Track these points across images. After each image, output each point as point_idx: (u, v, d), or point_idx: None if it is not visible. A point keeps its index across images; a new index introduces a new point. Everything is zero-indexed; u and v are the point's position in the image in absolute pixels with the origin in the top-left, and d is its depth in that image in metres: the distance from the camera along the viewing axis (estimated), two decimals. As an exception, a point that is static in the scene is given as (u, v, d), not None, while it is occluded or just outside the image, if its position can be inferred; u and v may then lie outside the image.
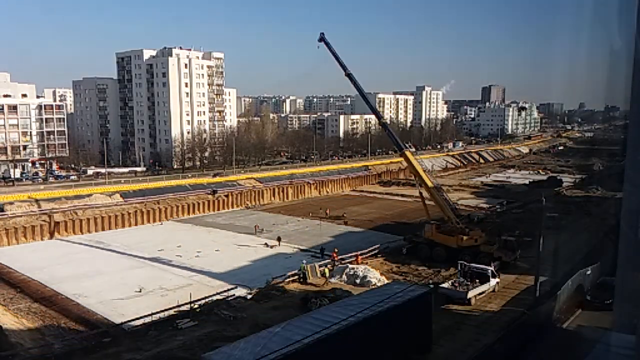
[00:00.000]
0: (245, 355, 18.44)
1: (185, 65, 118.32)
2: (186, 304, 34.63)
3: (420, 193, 48.68)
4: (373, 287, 36.19)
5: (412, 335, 24.37)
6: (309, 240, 59.27)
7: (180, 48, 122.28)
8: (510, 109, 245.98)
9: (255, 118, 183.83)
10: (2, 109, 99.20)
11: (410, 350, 24.15)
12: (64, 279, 45.51)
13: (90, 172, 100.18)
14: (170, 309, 35.17)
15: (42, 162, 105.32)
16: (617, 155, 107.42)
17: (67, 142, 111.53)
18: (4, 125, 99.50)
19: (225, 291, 38.77)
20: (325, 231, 62.65)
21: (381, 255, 48.33)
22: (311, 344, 18.56)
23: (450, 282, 35.53)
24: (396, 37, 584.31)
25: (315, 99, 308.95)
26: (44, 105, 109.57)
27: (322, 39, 52.39)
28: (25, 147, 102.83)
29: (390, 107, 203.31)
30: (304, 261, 44.63)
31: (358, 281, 39.49)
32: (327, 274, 41.48)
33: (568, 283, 30.44)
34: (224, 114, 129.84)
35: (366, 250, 48.75)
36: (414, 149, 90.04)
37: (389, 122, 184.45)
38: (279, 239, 57.55)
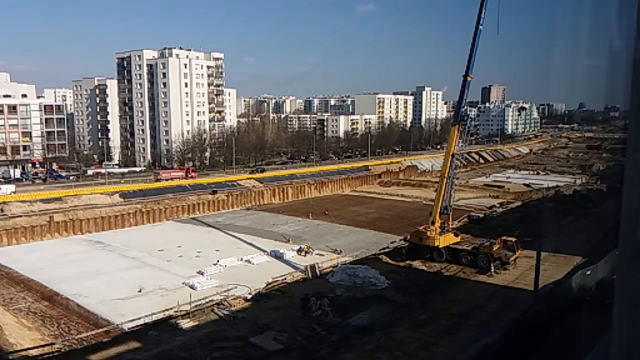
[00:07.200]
0: None
1: (185, 65, 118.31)
2: (186, 304, 34.65)
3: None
4: (372, 287, 37.83)
5: None
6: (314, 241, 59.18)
7: (180, 48, 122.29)
8: (510, 109, 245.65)
9: (255, 118, 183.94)
10: (2, 109, 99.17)
11: None
12: (64, 279, 45.45)
13: (90, 172, 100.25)
14: (171, 309, 35.21)
15: (42, 162, 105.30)
16: (617, 155, 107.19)
17: (67, 142, 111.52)
18: (4, 125, 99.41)
19: (225, 291, 38.78)
20: (325, 231, 62.65)
21: (382, 254, 48.38)
22: None
23: None
24: (396, 37, 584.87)
25: (315, 100, 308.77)
26: (44, 106, 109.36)
27: None
28: (25, 148, 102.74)
29: (390, 107, 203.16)
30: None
31: (358, 281, 39.52)
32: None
33: (568, 283, 30.44)
34: (224, 114, 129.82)
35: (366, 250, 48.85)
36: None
37: (388, 122, 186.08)
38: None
